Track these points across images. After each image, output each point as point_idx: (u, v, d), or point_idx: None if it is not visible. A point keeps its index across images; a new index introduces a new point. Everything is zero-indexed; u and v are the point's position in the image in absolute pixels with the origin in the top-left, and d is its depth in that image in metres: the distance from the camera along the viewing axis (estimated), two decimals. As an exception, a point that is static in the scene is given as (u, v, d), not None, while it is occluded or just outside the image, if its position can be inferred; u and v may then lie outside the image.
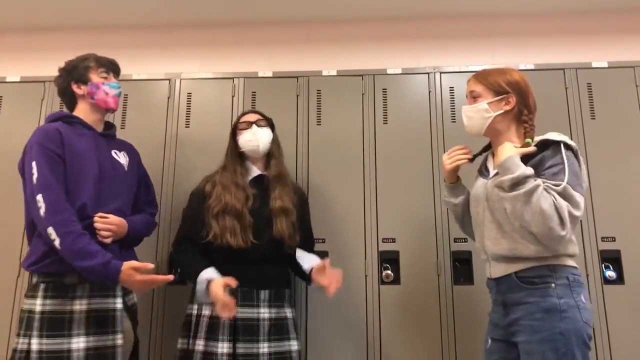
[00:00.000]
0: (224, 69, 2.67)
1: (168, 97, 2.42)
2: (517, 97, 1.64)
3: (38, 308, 1.63)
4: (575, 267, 1.56)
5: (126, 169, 1.90)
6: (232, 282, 1.74)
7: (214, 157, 2.32)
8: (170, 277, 1.67)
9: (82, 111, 1.87)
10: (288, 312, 1.91)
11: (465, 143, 1.79)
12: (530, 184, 1.46)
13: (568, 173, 1.47)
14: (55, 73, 1.91)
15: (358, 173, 2.27)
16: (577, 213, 1.45)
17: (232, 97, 2.41)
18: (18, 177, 2.40)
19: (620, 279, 2.10)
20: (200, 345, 1.78)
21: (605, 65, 2.34)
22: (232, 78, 2.44)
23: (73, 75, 1.86)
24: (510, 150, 1.55)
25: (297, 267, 1.94)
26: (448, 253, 2.16)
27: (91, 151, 1.78)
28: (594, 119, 2.27)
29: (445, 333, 2.10)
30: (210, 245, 1.86)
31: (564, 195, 1.45)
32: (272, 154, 2.02)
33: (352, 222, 2.05)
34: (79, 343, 1.63)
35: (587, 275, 2.10)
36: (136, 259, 1.82)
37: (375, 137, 2.31)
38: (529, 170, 1.49)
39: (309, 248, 2.00)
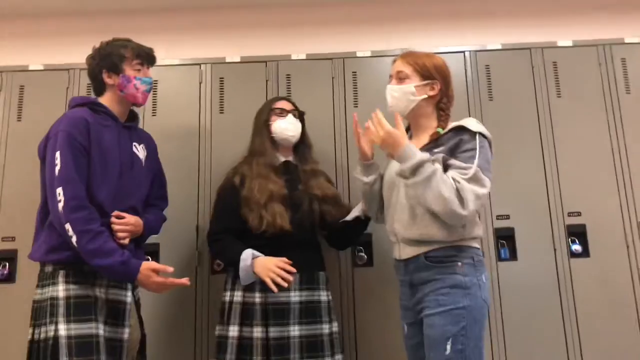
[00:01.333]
0: (191, 54, 2.60)
1: (134, 85, 2.36)
2: (441, 85, 1.68)
3: (61, 294, 1.58)
4: (478, 248, 1.64)
5: (143, 163, 1.83)
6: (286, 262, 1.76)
7: (182, 145, 2.29)
8: (186, 281, 1.66)
9: (109, 100, 1.79)
10: (322, 296, 1.91)
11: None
12: (429, 168, 1.51)
13: (479, 158, 1.54)
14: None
15: (330, 157, 2.26)
16: (482, 191, 1.52)
17: (200, 83, 2.37)
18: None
19: (585, 252, 2.16)
20: (235, 331, 1.80)
21: (570, 44, 2.38)
22: (199, 64, 2.39)
23: (106, 62, 1.77)
24: (403, 139, 1.56)
25: (350, 230, 1.98)
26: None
27: (114, 145, 1.72)
28: (560, 97, 2.31)
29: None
30: (243, 235, 1.87)
31: (474, 178, 1.52)
32: (306, 144, 2.05)
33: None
34: (101, 330, 1.59)
35: (555, 249, 2.16)
36: (144, 256, 1.80)
37: (347, 120, 2.31)
38: (426, 156, 1.53)
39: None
